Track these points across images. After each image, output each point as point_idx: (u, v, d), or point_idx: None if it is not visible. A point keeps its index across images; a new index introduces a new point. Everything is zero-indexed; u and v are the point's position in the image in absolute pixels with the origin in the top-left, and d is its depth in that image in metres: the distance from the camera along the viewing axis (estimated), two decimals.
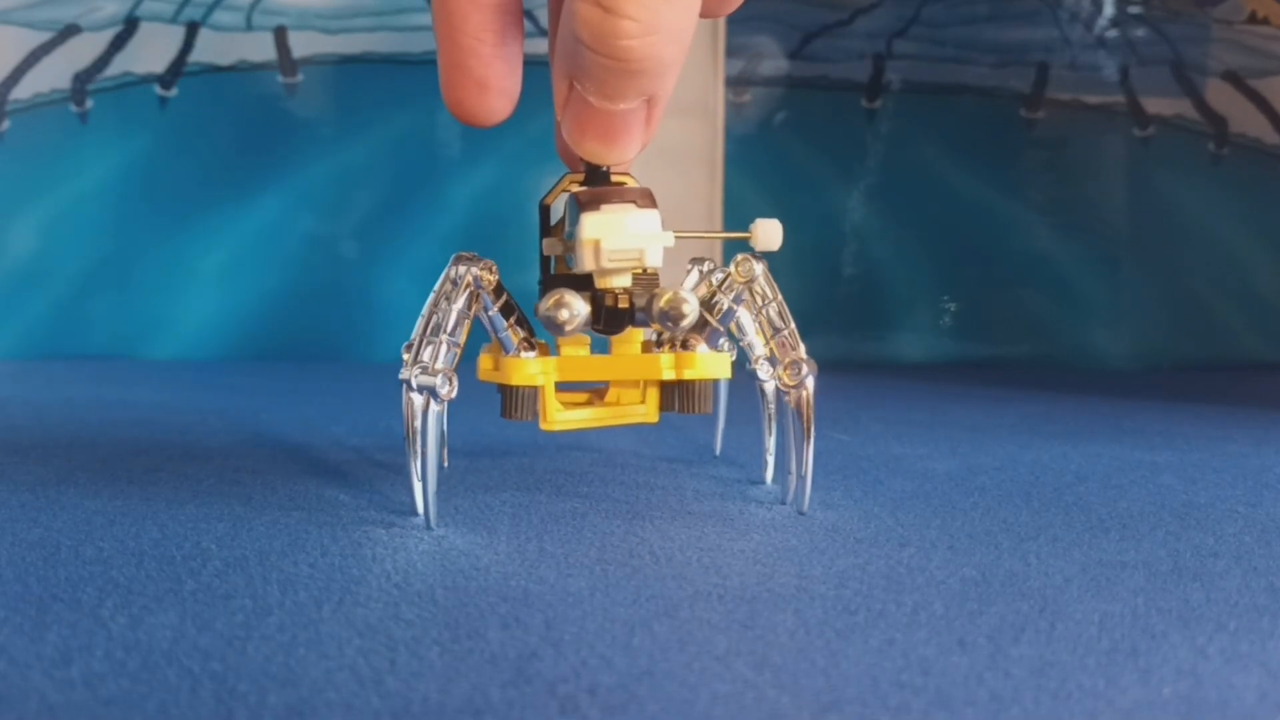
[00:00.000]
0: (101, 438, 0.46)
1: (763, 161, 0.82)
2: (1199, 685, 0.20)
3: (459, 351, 0.31)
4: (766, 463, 0.37)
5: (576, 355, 0.32)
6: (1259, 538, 0.32)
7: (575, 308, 0.29)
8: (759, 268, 0.32)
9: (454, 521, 0.32)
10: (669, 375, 0.32)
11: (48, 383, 0.67)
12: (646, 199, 0.29)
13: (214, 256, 0.82)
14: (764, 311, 0.32)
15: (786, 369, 0.32)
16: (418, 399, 0.30)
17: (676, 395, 0.32)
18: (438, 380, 0.30)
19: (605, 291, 0.30)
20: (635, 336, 0.33)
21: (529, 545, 0.30)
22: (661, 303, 0.29)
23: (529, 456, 0.41)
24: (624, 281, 0.29)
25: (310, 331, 0.81)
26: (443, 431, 0.34)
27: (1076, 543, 0.31)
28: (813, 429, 0.32)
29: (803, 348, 0.32)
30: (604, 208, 0.28)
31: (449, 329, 0.31)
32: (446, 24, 0.28)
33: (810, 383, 0.32)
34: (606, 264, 0.28)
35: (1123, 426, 0.53)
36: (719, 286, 0.33)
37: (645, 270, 0.29)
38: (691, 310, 0.29)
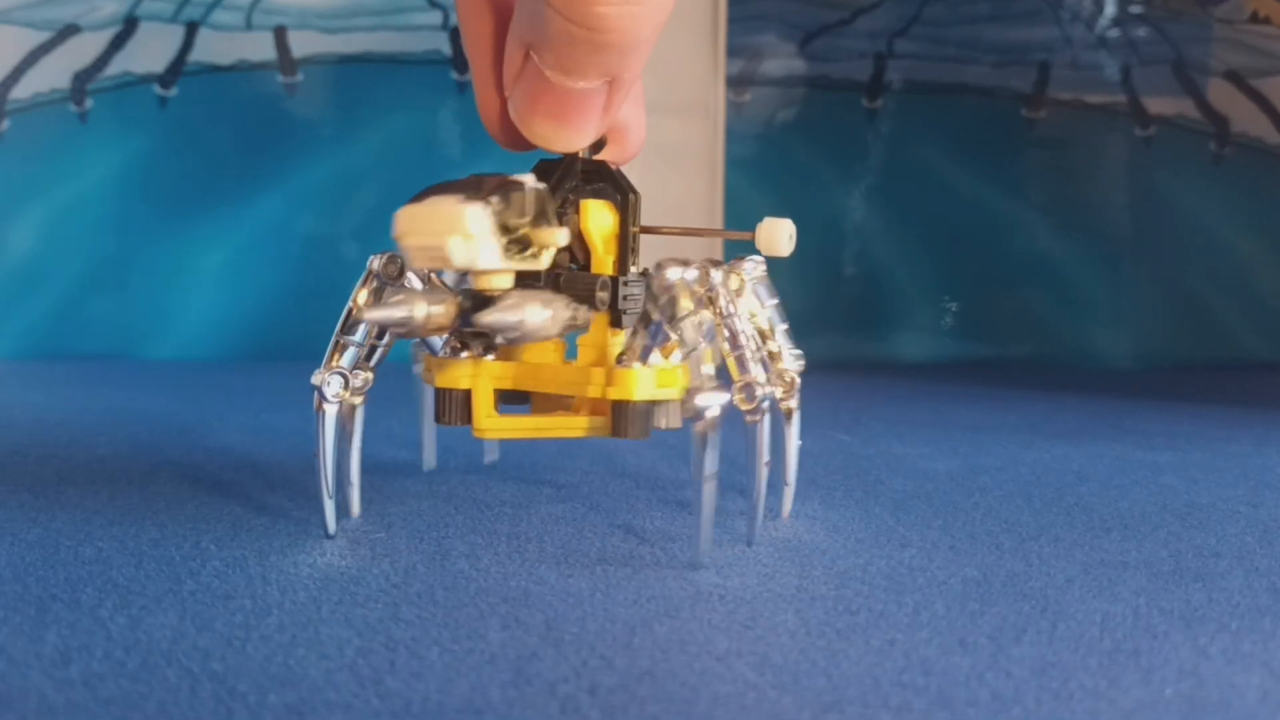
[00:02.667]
0: (101, 438, 0.46)
1: (763, 161, 0.82)
2: (1201, 685, 0.20)
3: (358, 350, 0.29)
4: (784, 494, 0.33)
5: (506, 363, 0.29)
6: (1261, 538, 0.32)
7: (392, 313, 0.26)
8: (718, 276, 0.28)
9: (453, 522, 0.32)
10: (595, 392, 0.28)
11: (47, 383, 0.67)
12: (489, 189, 0.25)
13: (214, 256, 0.81)
14: (725, 325, 0.28)
15: (739, 392, 0.28)
16: (316, 398, 0.29)
17: (613, 415, 0.28)
18: (322, 378, 0.29)
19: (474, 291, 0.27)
20: (591, 341, 0.29)
21: (529, 545, 0.29)
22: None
23: (529, 456, 0.41)
24: (502, 281, 0.26)
25: (310, 332, 0.81)
26: (348, 432, 0.30)
27: (1078, 543, 0.31)
28: (763, 456, 0.29)
29: (770, 369, 0.29)
30: (426, 199, 0.25)
31: (340, 324, 0.30)
32: (477, 47, 0.27)
33: (767, 406, 0.28)
34: (414, 261, 0.25)
35: (1124, 426, 0.53)
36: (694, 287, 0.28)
37: (463, 268, 0.25)
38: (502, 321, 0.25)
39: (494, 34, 0.27)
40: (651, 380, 0.27)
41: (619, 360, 0.28)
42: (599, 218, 0.29)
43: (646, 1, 0.23)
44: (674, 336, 0.28)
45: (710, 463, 0.27)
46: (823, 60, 0.84)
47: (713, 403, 0.27)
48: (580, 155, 0.29)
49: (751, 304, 0.31)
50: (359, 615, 0.24)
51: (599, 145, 0.29)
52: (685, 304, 0.28)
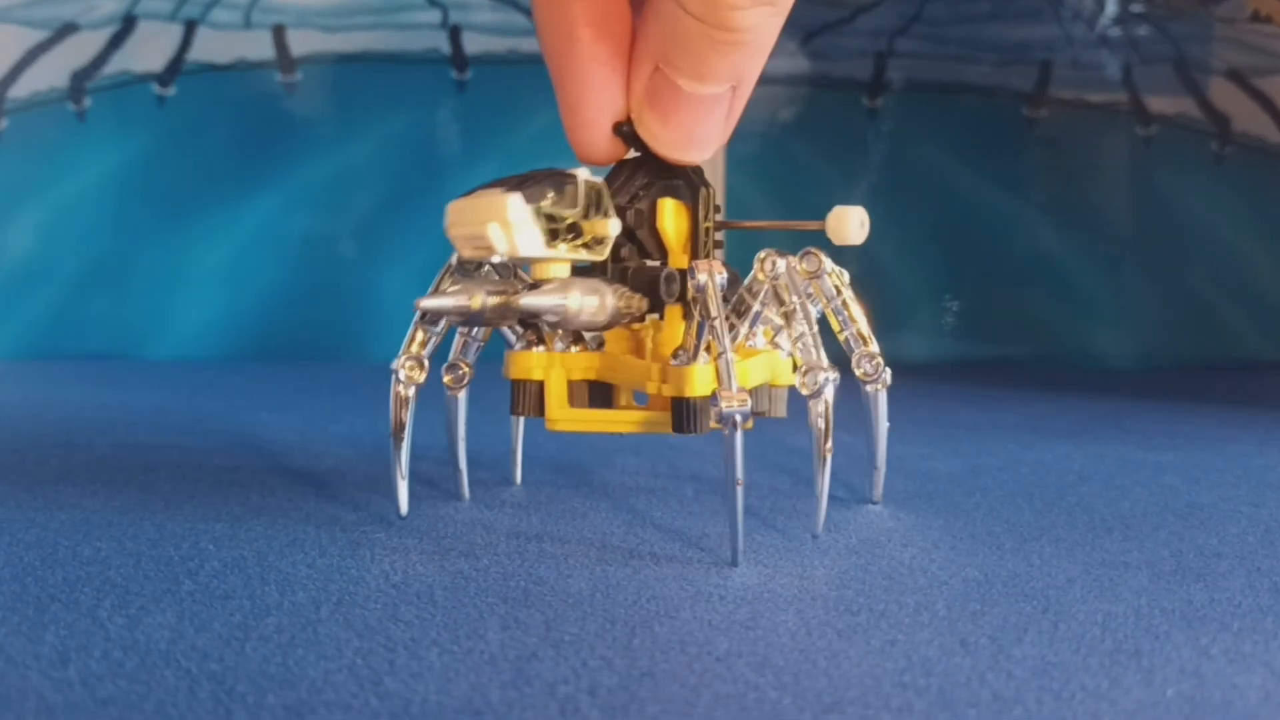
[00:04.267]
0: (99, 438, 0.46)
1: (764, 161, 0.82)
2: (1202, 686, 0.20)
3: (435, 339, 0.31)
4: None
5: (581, 355, 0.30)
6: (1262, 538, 0.31)
7: (444, 301, 0.26)
8: (782, 264, 0.29)
9: (453, 521, 0.32)
10: (652, 388, 0.29)
11: (45, 383, 0.67)
12: (534, 180, 0.26)
13: (213, 256, 0.81)
14: (787, 311, 0.30)
15: (805, 376, 0.29)
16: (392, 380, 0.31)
17: (672, 411, 0.28)
18: (398, 362, 0.30)
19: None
20: (639, 327, 0.30)
21: (529, 545, 0.29)
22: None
23: (529, 457, 0.41)
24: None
25: (309, 332, 0.81)
26: (452, 423, 0.33)
27: (1079, 543, 0.30)
28: (829, 447, 0.29)
29: (845, 354, 0.30)
30: (474, 192, 0.26)
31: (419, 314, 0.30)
32: (572, 65, 0.27)
33: (830, 391, 0.29)
34: (461, 251, 0.26)
35: (1125, 426, 0.53)
36: (747, 287, 0.30)
37: (507, 256, 0.26)
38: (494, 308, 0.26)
39: (596, 49, 0.27)
40: (700, 377, 0.27)
41: (674, 356, 0.28)
42: (672, 214, 0.30)
43: (778, 1, 0.24)
44: (743, 329, 0.29)
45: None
46: (823, 59, 0.84)
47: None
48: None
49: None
50: (358, 615, 0.23)
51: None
52: (786, 295, 0.29)
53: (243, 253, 0.82)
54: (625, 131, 0.28)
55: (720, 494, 0.36)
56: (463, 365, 0.32)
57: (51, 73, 0.80)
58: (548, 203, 0.26)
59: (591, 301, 0.27)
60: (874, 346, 0.31)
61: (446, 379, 0.33)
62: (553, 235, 0.26)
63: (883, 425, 0.32)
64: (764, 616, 0.24)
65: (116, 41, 0.80)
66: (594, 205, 0.27)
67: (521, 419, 0.36)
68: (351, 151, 0.82)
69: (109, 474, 0.38)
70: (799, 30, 0.83)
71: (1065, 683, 0.20)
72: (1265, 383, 0.76)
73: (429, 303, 0.26)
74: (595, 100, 0.28)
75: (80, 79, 0.80)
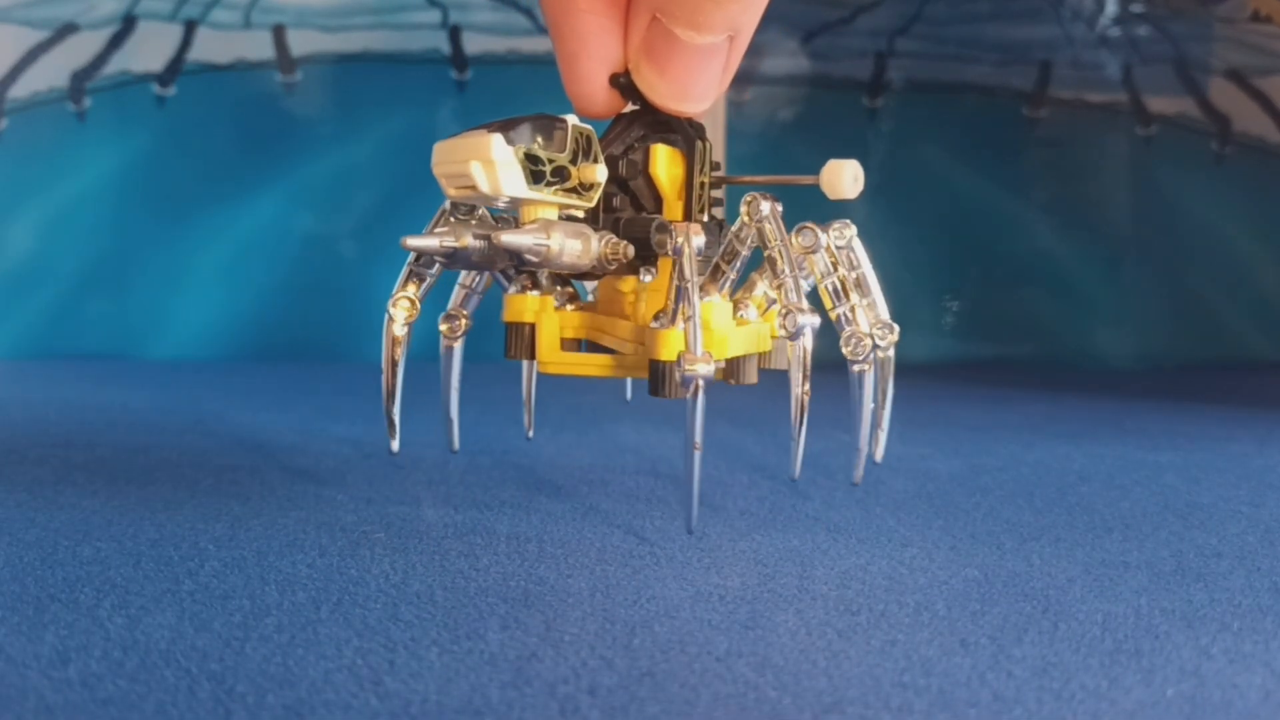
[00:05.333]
0: (99, 438, 0.46)
1: (764, 160, 0.82)
2: (1202, 685, 0.20)
3: (427, 280, 0.31)
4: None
5: (574, 312, 0.31)
6: (1262, 538, 0.31)
7: (431, 240, 0.27)
8: (766, 206, 0.29)
9: (453, 521, 0.32)
10: (629, 349, 0.29)
11: (45, 383, 0.67)
12: (520, 121, 0.26)
13: (212, 256, 0.81)
14: (771, 254, 0.29)
15: (785, 318, 0.28)
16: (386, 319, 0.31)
17: (650, 374, 0.28)
18: (391, 301, 0.31)
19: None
20: (629, 288, 0.30)
21: (529, 545, 0.29)
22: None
23: (529, 457, 0.41)
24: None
25: (309, 332, 0.81)
26: (447, 372, 0.33)
27: (1079, 543, 0.30)
28: (806, 389, 0.28)
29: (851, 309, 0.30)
30: (464, 133, 0.26)
31: (413, 256, 0.31)
32: (570, 20, 0.27)
33: (809, 333, 0.28)
34: (446, 190, 0.27)
35: (1126, 426, 0.53)
36: (735, 232, 0.29)
37: (489, 194, 0.26)
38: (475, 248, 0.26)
39: (592, 3, 0.27)
40: (668, 341, 0.27)
41: (655, 319, 0.28)
42: (667, 163, 0.30)
43: None
44: (727, 280, 0.29)
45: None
46: (823, 59, 0.84)
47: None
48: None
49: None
50: (358, 615, 0.23)
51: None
52: (771, 238, 0.29)
53: (242, 253, 0.82)
54: (623, 83, 0.28)
55: (721, 494, 0.36)
56: (460, 316, 0.33)
57: (51, 73, 0.80)
58: (534, 145, 0.26)
59: (574, 244, 0.27)
60: (864, 318, 0.31)
61: (443, 328, 0.33)
62: (537, 177, 0.26)
63: (867, 407, 0.32)
64: (764, 616, 0.24)
65: (116, 41, 0.80)
66: (583, 151, 0.27)
67: (534, 372, 0.36)
68: (351, 151, 0.82)
69: (109, 474, 0.38)
70: (799, 30, 0.83)
71: (1065, 682, 0.20)
72: (1265, 383, 0.76)
73: (415, 241, 0.26)
74: (592, 51, 0.28)
75: (80, 79, 0.80)
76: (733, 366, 0.30)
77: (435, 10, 0.82)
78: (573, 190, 0.27)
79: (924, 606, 0.25)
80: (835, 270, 0.31)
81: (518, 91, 0.79)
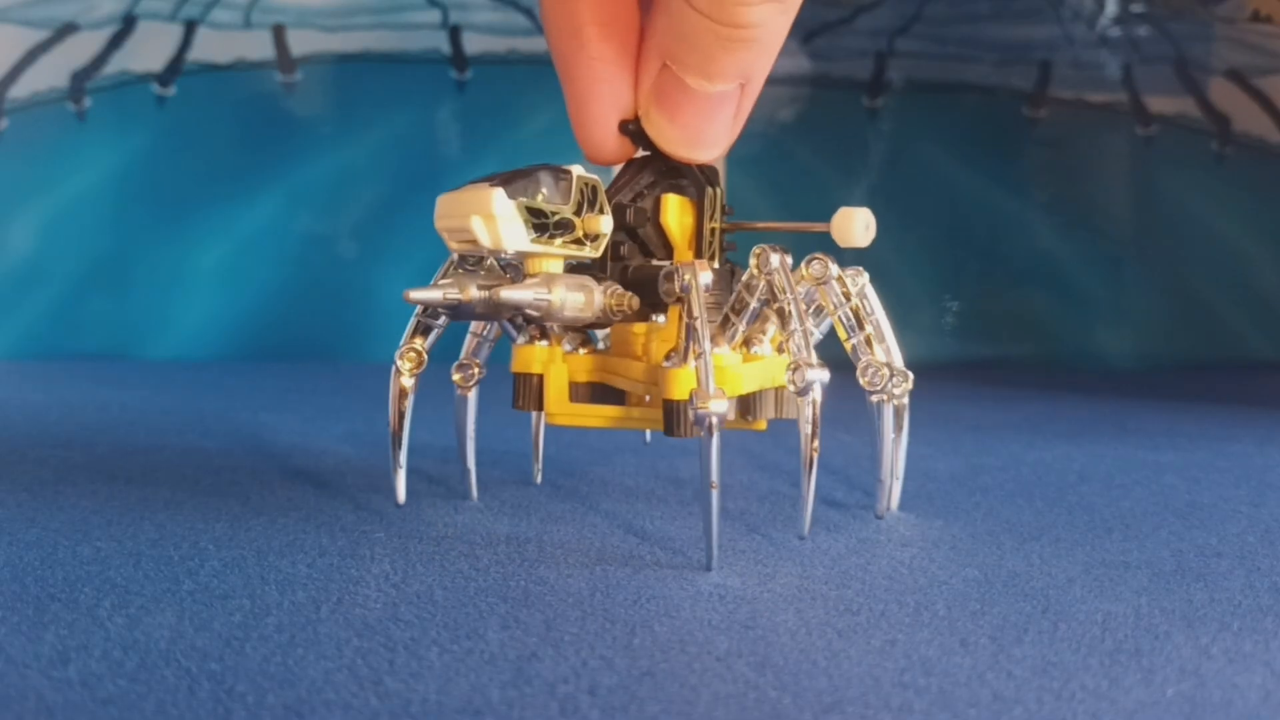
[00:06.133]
0: (99, 438, 0.46)
1: (764, 160, 0.82)
2: (1202, 685, 0.20)
3: (434, 331, 0.31)
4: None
5: (584, 356, 0.30)
6: (1262, 537, 0.31)
7: (433, 293, 0.26)
8: (775, 259, 0.28)
9: (452, 522, 0.32)
10: (642, 390, 0.29)
11: (45, 383, 0.67)
12: (521, 174, 0.26)
13: (212, 256, 0.81)
14: (781, 307, 0.28)
15: (794, 374, 0.28)
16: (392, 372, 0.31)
17: (664, 413, 0.27)
18: (398, 354, 0.31)
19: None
20: (641, 330, 0.30)
21: (529, 545, 0.29)
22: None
23: (528, 456, 0.41)
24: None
25: (309, 332, 0.81)
26: (461, 422, 0.34)
27: (1079, 543, 0.30)
28: (815, 446, 0.28)
29: (870, 353, 0.30)
30: (466, 186, 0.26)
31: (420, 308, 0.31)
32: (579, 65, 0.27)
33: (818, 388, 0.28)
34: (449, 244, 0.27)
35: (1126, 426, 0.53)
36: (744, 283, 0.29)
37: (491, 249, 0.26)
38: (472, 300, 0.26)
39: (603, 47, 0.27)
40: (679, 380, 0.27)
41: (667, 358, 0.28)
42: (678, 213, 0.30)
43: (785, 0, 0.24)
44: (740, 325, 0.29)
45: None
46: (823, 59, 0.84)
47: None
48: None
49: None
50: (358, 615, 0.23)
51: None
52: (780, 291, 0.28)
53: (242, 253, 0.82)
54: (632, 130, 0.28)
55: (721, 494, 0.36)
56: (473, 365, 0.33)
57: (51, 73, 0.80)
58: (537, 198, 0.26)
59: (577, 297, 0.27)
60: (881, 356, 0.31)
61: (456, 378, 0.33)
62: (540, 230, 0.26)
63: (888, 437, 0.31)
64: (764, 616, 0.24)
65: (116, 41, 0.80)
66: (588, 201, 0.27)
67: (542, 419, 0.36)
68: (351, 151, 0.82)
69: (109, 474, 0.38)
70: (799, 30, 0.83)
71: (1065, 682, 0.20)
72: (1266, 382, 0.76)
73: (418, 294, 0.26)
74: (602, 98, 0.28)
75: (80, 79, 0.80)
76: (746, 403, 0.30)
77: (435, 10, 0.82)
78: (578, 241, 0.27)
79: (924, 606, 0.25)
80: (848, 301, 0.30)
81: (518, 91, 0.79)
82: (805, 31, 0.83)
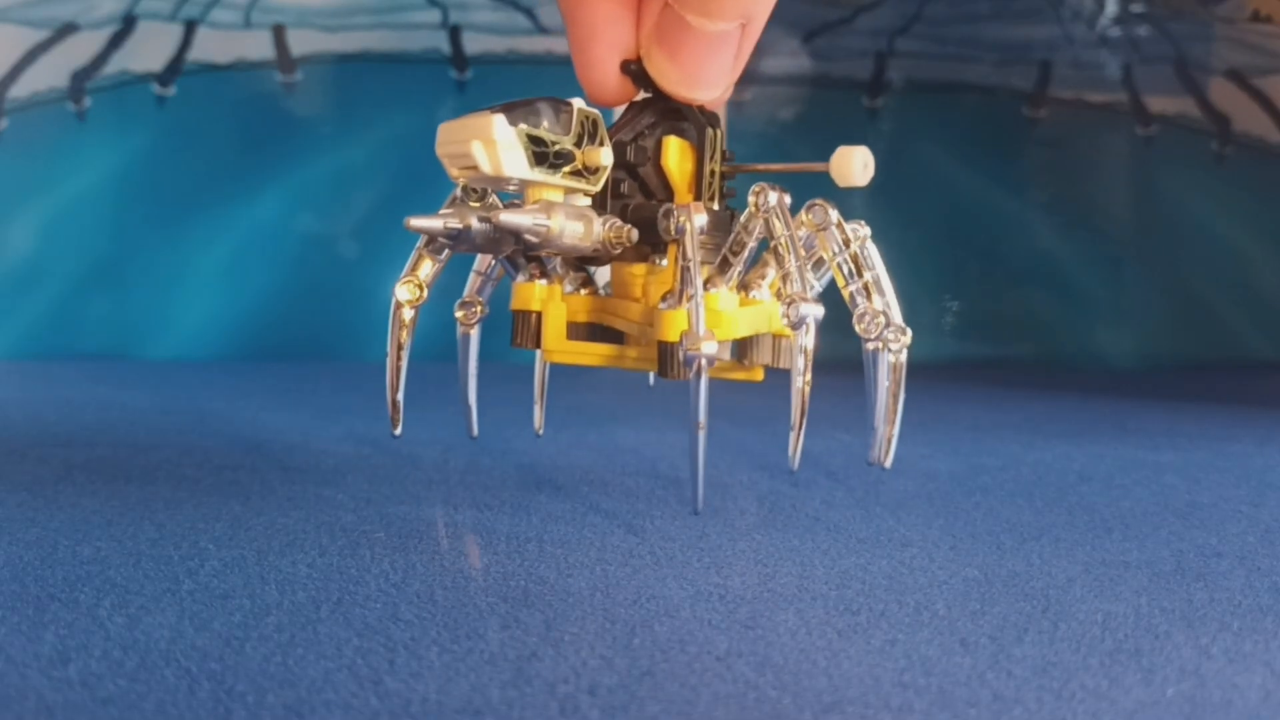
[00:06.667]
0: (99, 437, 0.46)
1: (764, 160, 0.82)
2: (1203, 685, 0.20)
3: (435, 264, 0.31)
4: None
5: (582, 297, 0.30)
6: (1262, 537, 0.31)
7: (434, 222, 0.27)
8: (773, 197, 0.28)
9: (453, 522, 0.32)
10: (636, 331, 0.29)
11: (44, 382, 0.67)
12: (523, 102, 0.26)
13: (212, 256, 0.81)
14: (777, 246, 0.28)
15: (788, 308, 0.28)
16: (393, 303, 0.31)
17: (658, 356, 0.28)
18: (398, 284, 0.31)
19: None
20: (640, 271, 0.30)
21: (529, 545, 0.29)
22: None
23: (529, 456, 0.41)
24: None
25: (309, 332, 0.81)
26: (464, 359, 0.34)
27: (1079, 543, 0.30)
28: (807, 379, 0.28)
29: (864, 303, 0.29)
30: (468, 115, 0.26)
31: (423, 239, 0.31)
32: (584, 7, 0.27)
33: (812, 324, 0.28)
34: (449, 170, 0.26)
35: (1126, 426, 0.53)
36: (743, 223, 0.29)
37: (490, 174, 0.26)
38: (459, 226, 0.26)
39: None
40: (672, 321, 0.27)
41: (663, 300, 0.28)
42: (679, 156, 0.30)
43: None
44: (737, 267, 0.28)
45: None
46: (823, 59, 0.84)
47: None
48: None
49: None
50: (358, 615, 0.23)
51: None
52: (777, 228, 0.28)
53: (242, 253, 0.82)
54: (634, 70, 0.28)
55: (721, 494, 0.36)
56: (476, 303, 0.33)
57: (51, 72, 0.80)
58: (537, 126, 0.26)
59: (576, 226, 0.27)
60: (878, 304, 0.30)
61: (459, 315, 0.33)
62: (540, 159, 0.26)
63: (882, 385, 0.31)
64: (764, 616, 0.24)
65: (116, 41, 0.80)
66: (589, 134, 0.27)
67: (547, 369, 0.36)
68: (351, 151, 0.82)
69: (109, 474, 0.38)
70: (799, 30, 0.83)
71: (1065, 682, 0.20)
72: (1266, 382, 0.76)
73: (419, 221, 0.26)
74: (604, 38, 0.28)
75: (80, 79, 0.80)
76: (743, 347, 0.30)
77: (435, 10, 0.82)
78: (577, 174, 0.27)
79: (924, 606, 0.25)
80: (847, 247, 0.30)
81: (518, 91, 0.79)
82: (805, 31, 0.83)
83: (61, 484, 0.36)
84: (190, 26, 0.81)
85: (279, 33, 0.81)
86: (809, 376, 0.28)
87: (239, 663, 0.21)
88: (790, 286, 0.28)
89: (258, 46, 0.81)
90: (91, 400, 0.58)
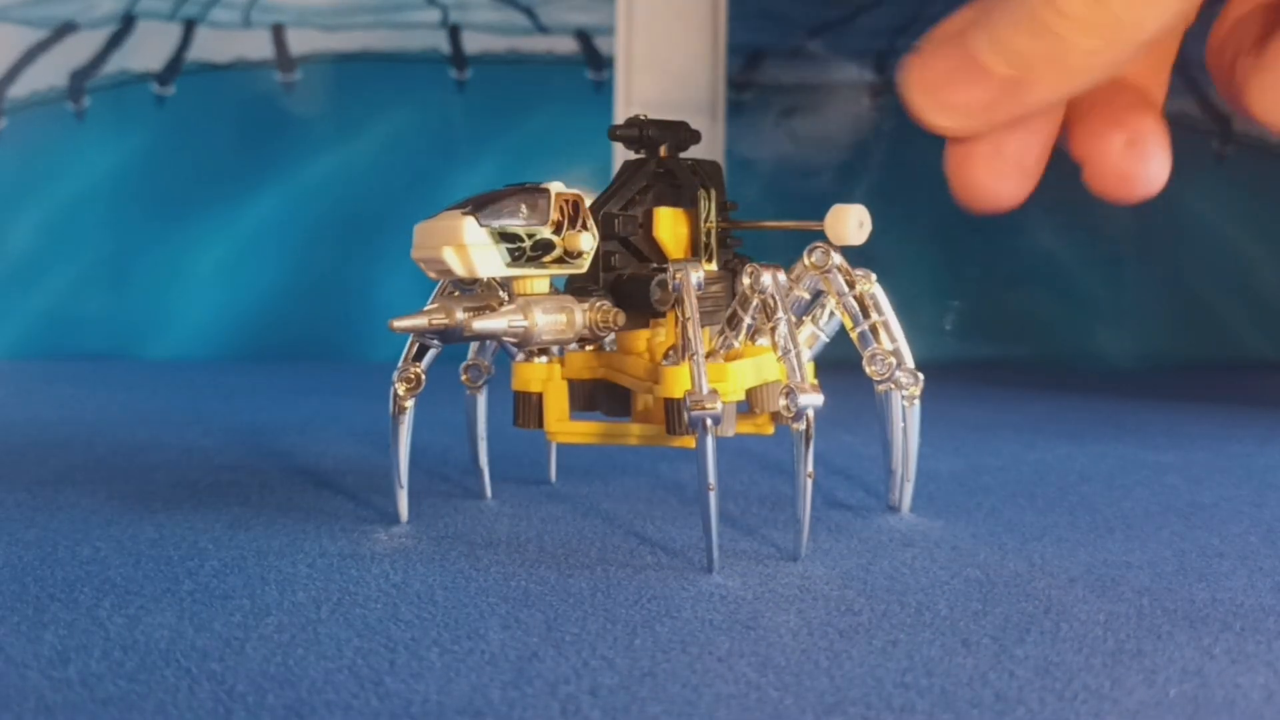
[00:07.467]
0: (98, 438, 0.46)
1: (764, 160, 0.82)
2: (1205, 685, 0.20)
3: (431, 351, 0.31)
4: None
5: (585, 355, 0.30)
6: (1264, 537, 0.31)
7: (418, 320, 0.26)
8: (767, 279, 0.28)
9: (452, 522, 0.32)
10: (643, 389, 0.28)
11: (44, 382, 0.66)
12: (492, 199, 0.26)
13: (211, 255, 0.81)
14: (775, 328, 0.28)
15: (788, 399, 0.27)
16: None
17: (665, 413, 0.27)
18: (395, 376, 0.31)
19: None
20: (643, 336, 0.30)
21: (529, 545, 0.29)
22: None
23: (529, 457, 0.41)
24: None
25: (308, 331, 0.81)
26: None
27: (1081, 543, 0.30)
28: (810, 472, 0.27)
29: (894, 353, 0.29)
30: (441, 213, 0.26)
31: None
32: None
33: (811, 415, 0.27)
34: (427, 273, 0.27)
35: (1127, 426, 0.53)
36: (738, 301, 0.28)
37: (465, 278, 0.26)
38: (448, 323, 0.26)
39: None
40: (676, 378, 0.27)
41: (665, 357, 0.28)
42: (671, 224, 0.30)
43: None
44: (744, 328, 0.28)
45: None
46: (824, 59, 0.84)
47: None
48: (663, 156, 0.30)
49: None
50: (358, 615, 0.23)
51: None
52: (772, 311, 0.28)
53: (241, 252, 0.81)
54: (621, 135, 0.28)
55: (721, 495, 0.36)
56: (480, 364, 0.33)
57: (51, 72, 0.80)
58: (512, 221, 0.26)
59: (556, 319, 0.27)
60: (888, 345, 0.30)
61: (465, 378, 0.33)
62: (517, 255, 0.26)
63: (897, 426, 0.31)
64: (765, 616, 0.24)
65: (116, 41, 0.80)
66: (568, 219, 0.27)
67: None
68: (351, 151, 0.82)
69: (109, 474, 0.38)
70: (799, 30, 0.83)
71: (1068, 682, 0.20)
72: (1267, 382, 0.76)
73: (403, 322, 0.26)
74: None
75: (79, 78, 0.80)
76: (751, 395, 0.30)
77: (435, 9, 0.82)
78: (559, 260, 0.27)
79: (926, 606, 0.25)
80: (852, 289, 0.30)
81: (518, 91, 0.79)
82: (806, 31, 0.83)
83: (61, 484, 0.36)
84: (189, 26, 0.81)
85: (278, 32, 0.81)
86: (811, 468, 0.27)
87: (239, 663, 0.21)
88: (790, 375, 0.27)
89: (257, 46, 0.81)
90: (92, 400, 0.58)
